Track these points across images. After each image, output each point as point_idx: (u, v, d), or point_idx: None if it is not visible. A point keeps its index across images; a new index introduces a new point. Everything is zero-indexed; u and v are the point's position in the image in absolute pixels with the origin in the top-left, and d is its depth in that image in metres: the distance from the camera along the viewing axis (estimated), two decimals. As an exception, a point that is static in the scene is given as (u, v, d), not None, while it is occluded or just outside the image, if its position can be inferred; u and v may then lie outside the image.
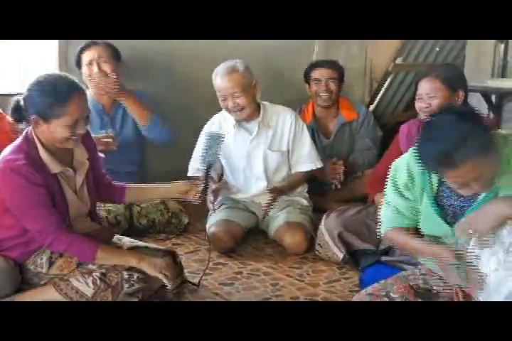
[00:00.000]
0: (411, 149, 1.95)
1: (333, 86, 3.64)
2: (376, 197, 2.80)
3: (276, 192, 3.13)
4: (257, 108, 3.14)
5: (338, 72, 3.67)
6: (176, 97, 3.66)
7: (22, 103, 2.12)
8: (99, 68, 3.18)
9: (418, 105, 2.64)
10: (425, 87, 2.61)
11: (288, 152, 3.20)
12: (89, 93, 3.20)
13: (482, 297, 1.75)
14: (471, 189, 1.75)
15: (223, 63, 3.09)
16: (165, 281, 2.24)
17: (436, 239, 1.96)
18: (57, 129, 2.10)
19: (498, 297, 1.67)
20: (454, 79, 2.61)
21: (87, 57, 3.19)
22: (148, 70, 3.59)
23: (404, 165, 1.97)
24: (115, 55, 3.24)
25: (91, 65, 3.18)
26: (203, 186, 2.34)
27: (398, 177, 1.98)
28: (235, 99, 3.04)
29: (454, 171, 1.69)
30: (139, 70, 3.51)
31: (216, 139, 2.37)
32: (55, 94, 2.06)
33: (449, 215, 1.94)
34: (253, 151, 3.17)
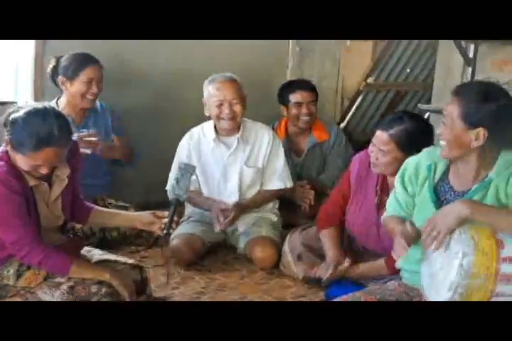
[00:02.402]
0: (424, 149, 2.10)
1: (313, 108, 3.66)
2: (321, 235, 2.79)
3: (239, 208, 3.11)
4: (239, 124, 3.18)
5: (316, 93, 3.70)
6: (150, 112, 3.70)
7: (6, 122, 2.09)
8: (98, 88, 3.18)
9: (370, 151, 2.55)
10: (379, 140, 2.48)
11: (263, 168, 3.23)
12: (61, 103, 3.21)
13: (431, 294, 1.82)
14: None
15: (217, 74, 3.12)
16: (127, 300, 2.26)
17: None
18: (20, 161, 2.08)
19: (444, 290, 1.72)
20: (410, 142, 2.41)
21: (88, 74, 3.15)
22: (124, 83, 3.61)
23: (415, 160, 2.10)
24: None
25: (90, 83, 3.16)
26: (168, 219, 2.29)
27: (406, 171, 2.10)
28: (232, 106, 3.07)
29: None
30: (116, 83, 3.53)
31: (187, 171, 2.33)
32: (35, 139, 2.03)
33: None
34: (230, 166, 3.19)
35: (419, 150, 2.37)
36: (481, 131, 1.86)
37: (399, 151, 2.45)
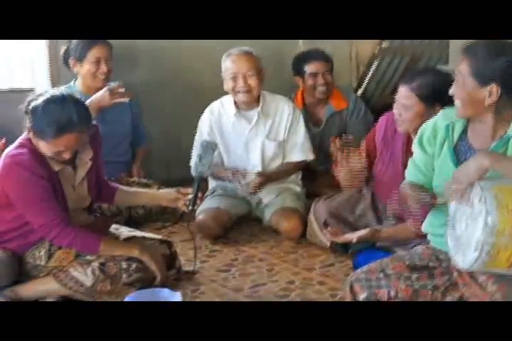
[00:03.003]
0: (441, 110, 2.07)
1: (329, 78, 3.62)
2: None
3: (263, 177, 3.10)
4: (258, 96, 3.16)
5: (331, 63, 3.66)
6: (164, 87, 3.68)
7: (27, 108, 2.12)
8: (107, 67, 3.18)
9: (394, 109, 2.56)
10: (401, 95, 2.51)
11: (284, 141, 3.22)
12: (78, 85, 3.22)
13: (458, 256, 1.80)
14: None
15: (234, 48, 3.10)
16: (157, 276, 2.29)
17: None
18: (43, 148, 2.13)
19: (470, 250, 1.71)
20: (432, 94, 2.44)
21: (95, 54, 3.16)
22: (135, 59, 3.60)
23: (432, 122, 2.07)
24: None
25: (98, 62, 3.17)
26: (192, 195, 2.33)
27: (424, 132, 2.07)
28: (247, 78, 3.05)
29: None
30: (127, 60, 3.52)
31: (209, 148, 2.36)
32: (56, 126, 2.07)
33: None
34: (251, 140, 3.19)
35: (441, 103, 2.38)
36: (494, 88, 1.83)
37: (421, 104, 2.46)
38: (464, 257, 1.75)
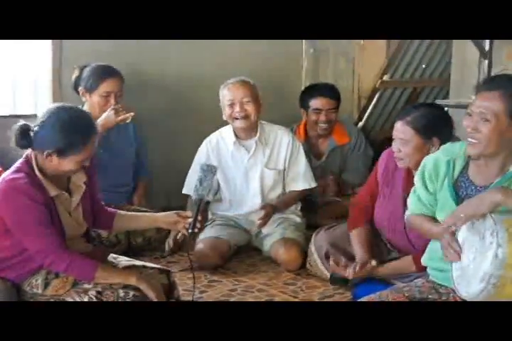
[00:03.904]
0: (442, 146, 2.09)
1: (333, 116, 3.64)
2: (351, 234, 2.75)
3: (269, 208, 3.15)
4: (256, 126, 3.20)
5: (337, 101, 3.67)
6: (166, 117, 3.71)
7: (32, 133, 2.12)
8: (116, 102, 3.19)
9: (393, 145, 2.57)
10: (398, 130, 2.51)
11: (284, 170, 3.25)
12: None
13: (461, 286, 1.80)
14: None
15: (232, 78, 3.17)
16: None
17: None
18: (69, 164, 2.13)
19: (475, 281, 1.71)
20: (428, 127, 2.46)
21: (106, 88, 3.17)
22: (146, 87, 3.64)
23: (433, 157, 2.08)
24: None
25: (108, 96, 3.17)
26: (192, 218, 2.30)
27: (426, 169, 2.07)
28: (244, 105, 3.11)
29: None
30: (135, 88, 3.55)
31: (209, 172, 2.35)
32: (81, 133, 2.11)
33: None
34: (250, 169, 3.21)
35: (439, 137, 2.41)
36: None
37: (418, 137, 2.47)
38: (469, 288, 1.76)
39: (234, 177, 3.23)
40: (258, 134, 3.19)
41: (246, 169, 3.21)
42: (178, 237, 3.09)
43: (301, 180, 3.25)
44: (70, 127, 2.10)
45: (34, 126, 2.13)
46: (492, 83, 1.91)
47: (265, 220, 3.13)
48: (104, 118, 3.08)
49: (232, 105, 3.12)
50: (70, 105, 2.20)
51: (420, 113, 2.50)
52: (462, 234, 1.83)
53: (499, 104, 1.83)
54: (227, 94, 3.14)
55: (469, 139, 1.90)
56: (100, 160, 2.99)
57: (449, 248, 1.82)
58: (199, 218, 2.30)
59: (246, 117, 3.12)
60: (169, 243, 3.14)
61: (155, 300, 2.23)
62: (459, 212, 1.80)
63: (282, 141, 3.23)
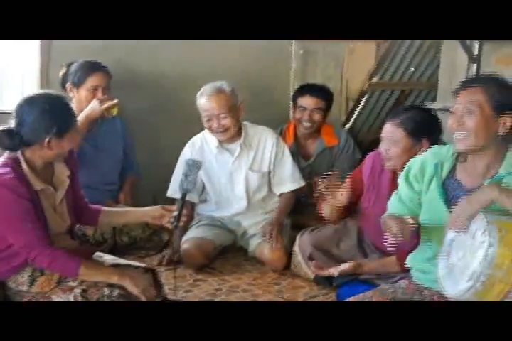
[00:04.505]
0: (430, 149, 2.11)
1: (317, 116, 3.61)
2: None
3: (269, 228, 3.08)
4: (239, 129, 3.16)
5: (326, 102, 3.64)
6: (154, 117, 3.71)
7: (17, 134, 2.12)
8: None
9: (381, 146, 2.60)
10: (388, 131, 2.54)
11: (269, 173, 3.23)
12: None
13: (447, 285, 1.81)
14: None
15: (209, 84, 3.09)
16: (142, 299, 2.25)
17: (435, 230, 2.00)
18: (68, 143, 2.18)
19: (464, 280, 1.72)
20: (418, 129, 2.50)
21: (93, 82, 3.15)
22: (135, 85, 3.63)
23: (420, 159, 2.09)
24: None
25: (96, 90, 3.15)
26: (177, 212, 2.31)
27: (412, 168, 2.09)
28: (221, 120, 3.04)
29: None
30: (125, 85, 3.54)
31: (194, 166, 2.36)
32: (67, 109, 2.18)
33: (453, 206, 1.95)
34: (235, 172, 3.19)
35: (429, 140, 2.44)
36: (509, 118, 1.87)
37: (408, 139, 2.50)
38: (455, 286, 1.77)
39: (219, 180, 3.21)
40: (242, 138, 3.15)
41: (230, 172, 3.19)
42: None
43: (290, 181, 3.24)
44: (56, 107, 2.14)
45: (15, 127, 2.13)
46: (473, 81, 1.95)
47: (274, 238, 3.04)
48: (89, 108, 3.06)
49: (209, 120, 3.05)
50: (33, 93, 2.20)
51: (411, 114, 2.53)
52: (452, 232, 1.85)
53: (482, 97, 1.87)
54: (203, 107, 3.05)
55: (456, 134, 1.93)
56: (86, 154, 3.01)
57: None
58: (184, 212, 2.31)
59: (225, 131, 3.07)
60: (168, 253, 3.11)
61: (140, 295, 2.23)
62: (458, 214, 1.80)
63: (267, 143, 3.20)
